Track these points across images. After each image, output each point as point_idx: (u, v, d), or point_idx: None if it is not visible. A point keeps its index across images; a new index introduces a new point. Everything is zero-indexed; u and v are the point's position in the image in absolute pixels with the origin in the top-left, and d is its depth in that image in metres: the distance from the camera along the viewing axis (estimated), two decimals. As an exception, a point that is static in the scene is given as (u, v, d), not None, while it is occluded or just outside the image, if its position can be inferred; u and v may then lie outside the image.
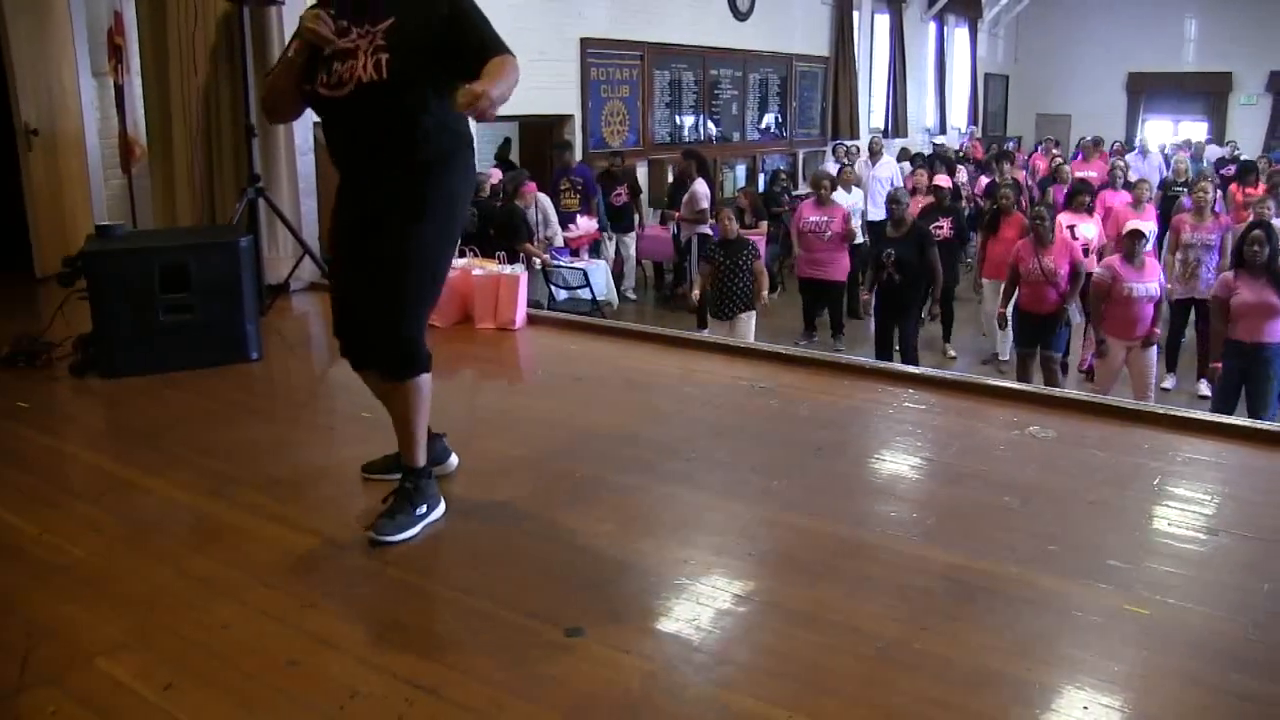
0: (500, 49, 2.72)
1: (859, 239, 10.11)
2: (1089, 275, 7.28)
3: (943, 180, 10.45)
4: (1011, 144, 18.41)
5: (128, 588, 2.64)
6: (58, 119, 6.55)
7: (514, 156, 13.30)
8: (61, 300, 4.75)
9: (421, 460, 2.96)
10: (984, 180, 12.80)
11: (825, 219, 9.04)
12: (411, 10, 2.74)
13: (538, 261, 8.68)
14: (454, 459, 3.31)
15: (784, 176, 13.31)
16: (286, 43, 2.78)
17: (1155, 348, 6.92)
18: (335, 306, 3.00)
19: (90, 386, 4.45)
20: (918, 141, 18.03)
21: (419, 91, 2.75)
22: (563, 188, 10.43)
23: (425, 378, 2.90)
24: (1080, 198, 8.67)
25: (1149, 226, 7.00)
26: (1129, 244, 6.70)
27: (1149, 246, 6.84)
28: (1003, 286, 7.66)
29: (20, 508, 3.12)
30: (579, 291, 8.97)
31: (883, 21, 17.73)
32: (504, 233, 8.64)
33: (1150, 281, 6.66)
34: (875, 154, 12.49)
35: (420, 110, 2.76)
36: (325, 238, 2.89)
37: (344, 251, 2.95)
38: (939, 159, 13.36)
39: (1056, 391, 4.62)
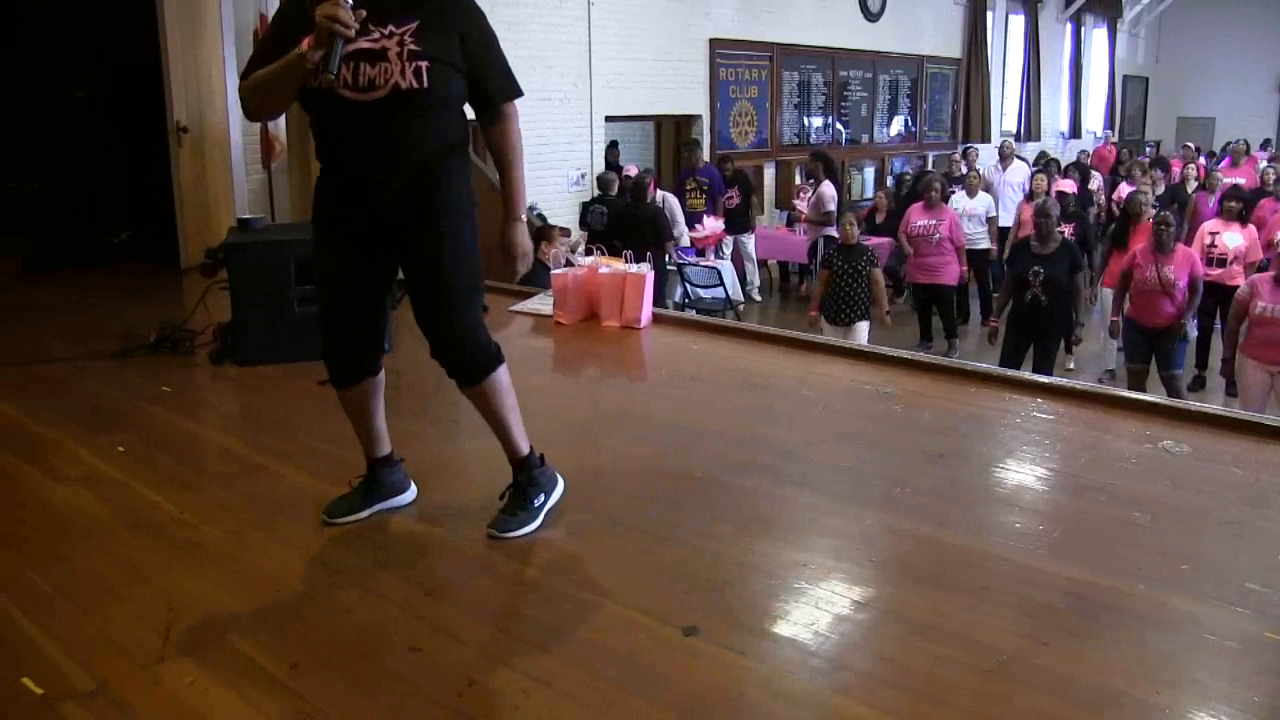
0: (509, 92, 2.76)
1: (979, 244, 9.82)
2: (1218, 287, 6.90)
3: (1067, 185, 10.10)
4: (1150, 148, 17.72)
5: (256, 568, 2.74)
6: (205, 117, 6.87)
7: (650, 155, 13.30)
8: (204, 290, 4.97)
9: (525, 448, 2.91)
10: (1125, 188, 12.16)
11: (933, 222, 8.86)
12: (433, 17, 2.60)
13: (669, 259, 8.67)
14: (413, 490, 3.10)
15: (909, 178, 13.07)
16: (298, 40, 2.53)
17: None
18: (328, 322, 2.81)
19: (227, 373, 4.65)
20: (1051, 146, 17.52)
21: (454, 101, 2.68)
22: (689, 187, 10.44)
23: (500, 371, 2.82)
24: (1229, 204, 8.21)
25: None
26: None
27: None
28: (1113, 294, 7.34)
29: (161, 487, 3.28)
30: (714, 290, 8.98)
31: (1017, 22, 17.31)
32: (650, 231, 8.39)
33: None
34: (1006, 158, 12.02)
35: (451, 120, 2.69)
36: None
37: (346, 260, 2.75)
38: (1075, 165, 12.91)
39: (1192, 405, 4.41)
